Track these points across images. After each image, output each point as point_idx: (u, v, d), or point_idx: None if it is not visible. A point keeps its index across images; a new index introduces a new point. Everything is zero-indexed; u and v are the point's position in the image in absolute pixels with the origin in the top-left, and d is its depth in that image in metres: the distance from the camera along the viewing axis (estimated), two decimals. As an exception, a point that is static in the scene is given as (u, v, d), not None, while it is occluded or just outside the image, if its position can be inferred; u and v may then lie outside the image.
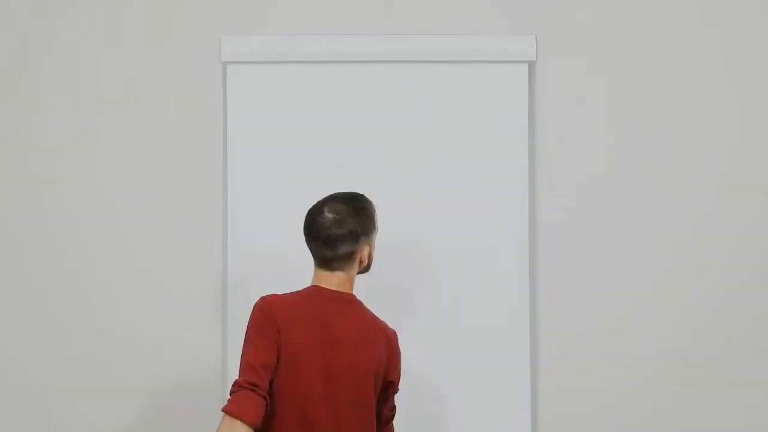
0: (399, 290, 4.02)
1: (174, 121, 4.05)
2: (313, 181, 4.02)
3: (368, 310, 3.33)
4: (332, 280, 3.28)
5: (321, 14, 4.08)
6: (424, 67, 4.07)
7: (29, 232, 4.01)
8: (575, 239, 4.05)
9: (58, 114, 4.04)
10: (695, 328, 4.05)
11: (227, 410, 3.08)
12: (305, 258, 3.40)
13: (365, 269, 3.35)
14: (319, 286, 3.28)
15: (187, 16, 4.07)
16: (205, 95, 4.05)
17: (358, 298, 3.35)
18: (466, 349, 4.02)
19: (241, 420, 3.07)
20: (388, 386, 3.37)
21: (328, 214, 3.25)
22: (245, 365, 3.14)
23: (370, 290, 3.89)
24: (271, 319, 3.19)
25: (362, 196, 3.33)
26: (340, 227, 3.24)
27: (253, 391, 3.10)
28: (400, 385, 3.80)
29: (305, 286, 3.35)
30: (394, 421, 3.58)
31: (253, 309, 3.23)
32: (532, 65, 4.09)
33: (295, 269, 3.94)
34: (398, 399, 3.83)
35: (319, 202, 3.29)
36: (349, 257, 3.27)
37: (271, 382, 3.18)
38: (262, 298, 3.24)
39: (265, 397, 3.12)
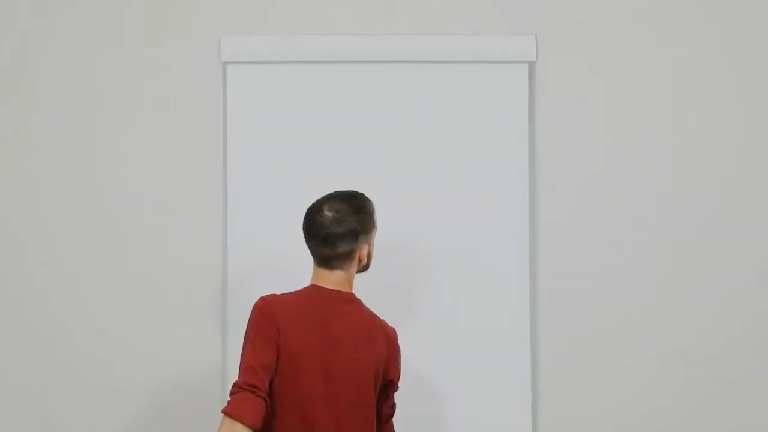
0: (399, 290, 4.02)
1: (174, 121, 4.05)
2: (313, 181, 4.02)
3: (367, 308, 3.33)
4: (331, 279, 3.28)
5: (321, 14, 4.08)
6: (424, 67, 4.07)
7: (29, 232, 4.01)
8: (575, 239, 4.05)
9: (58, 114, 4.04)
10: (695, 328, 4.05)
11: (227, 412, 3.08)
12: (305, 258, 3.40)
13: (364, 268, 3.35)
14: (318, 286, 3.28)
15: (187, 16, 4.07)
16: (205, 95, 4.05)
17: (358, 297, 3.35)
18: (466, 349, 4.02)
19: (241, 422, 3.06)
20: (388, 385, 3.37)
21: (328, 213, 3.25)
22: (245, 366, 3.13)
23: (370, 290, 3.89)
24: (270, 320, 3.19)
25: (361, 194, 3.33)
26: (339, 226, 3.24)
27: (253, 392, 3.10)
28: (400, 384, 3.80)
29: (305, 286, 3.35)
30: (394, 421, 3.58)
31: (253, 309, 3.22)
32: (532, 65, 4.09)
33: (295, 269, 3.94)
34: (398, 399, 3.83)
35: (318, 201, 3.29)
36: (349, 256, 3.27)
37: (271, 383, 3.18)
38: (262, 298, 3.24)
39: (264, 399, 3.12)
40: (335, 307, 3.26)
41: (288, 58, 4.04)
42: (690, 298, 4.05)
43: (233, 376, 3.95)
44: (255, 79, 4.05)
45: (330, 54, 4.04)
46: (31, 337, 4.00)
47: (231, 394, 3.11)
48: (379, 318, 3.35)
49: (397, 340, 3.39)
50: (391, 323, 3.90)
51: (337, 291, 3.27)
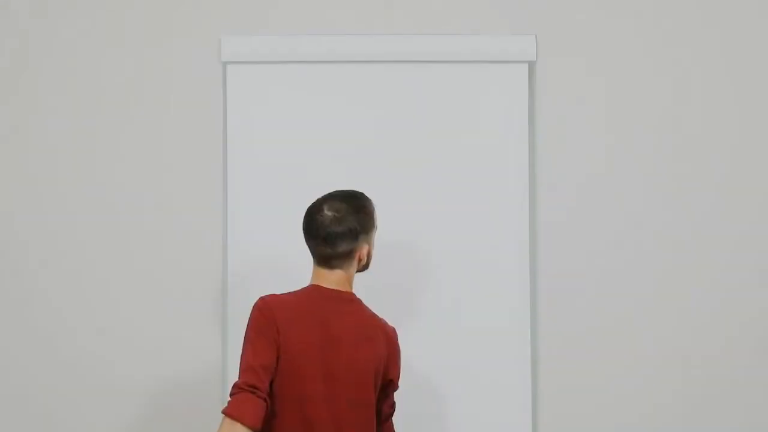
0: (399, 290, 4.02)
1: (174, 121, 4.05)
2: (313, 181, 4.02)
3: (367, 308, 3.33)
4: (331, 279, 3.28)
5: (321, 14, 4.08)
6: (424, 67, 4.07)
7: (29, 232, 4.01)
8: (575, 239, 4.05)
9: (58, 114, 4.04)
10: (695, 328, 4.05)
11: (227, 412, 3.07)
12: (305, 258, 3.40)
13: (364, 267, 3.35)
14: (318, 285, 3.28)
15: (187, 16, 4.07)
16: (205, 95, 4.05)
17: (358, 297, 3.35)
18: (466, 349, 4.02)
19: (242, 422, 3.06)
20: (387, 384, 3.37)
21: (328, 212, 3.25)
22: (245, 367, 3.13)
23: (370, 290, 3.89)
24: (270, 320, 3.19)
25: (361, 194, 3.33)
26: (339, 225, 3.24)
27: (253, 393, 3.10)
28: (400, 384, 3.81)
29: (305, 286, 3.35)
30: (394, 421, 3.58)
31: (252, 309, 3.22)
32: (532, 65, 4.09)
33: (295, 269, 3.94)
34: (398, 398, 3.83)
35: (318, 200, 3.29)
36: (348, 255, 3.27)
37: (271, 383, 3.18)
38: (261, 299, 3.24)
39: (265, 399, 3.12)
40: (335, 307, 3.26)
41: (288, 58, 4.04)
42: (690, 298, 4.05)
43: (233, 376, 3.95)
44: (255, 79, 4.05)
45: (330, 54, 4.04)
46: (31, 337, 4.00)
47: (231, 395, 3.11)
48: (379, 317, 3.35)
49: (397, 339, 3.39)
50: (391, 323, 3.90)
51: (337, 291, 3.27)
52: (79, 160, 4.03)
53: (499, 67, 4.07)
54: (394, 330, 3.39)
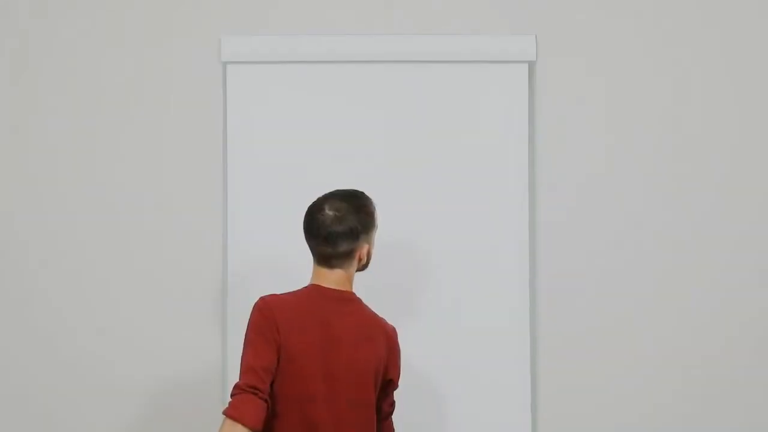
0: (399, 290, 4.02)
1: (174, 121, 4.05)
2: (313, 181, 4.02)
3: (368, 307, 3.33)
4: (331, 278, 3.28)
5: (321, 14, 4.08)
6: (424, 67, 4.07)
7: (29, 232, 4.01)
8: (575, 239, 4.05)
9: (58, 114, 4.04)
10: (695, 328, 4.05)
11: (228, 413, 3.07)
12: (305, 258, 3.40)
13: (363, 267, 3.35)
14: (318, 285, 3.28)
15: (187, 16, 4.07)
16: (205, 95, 4.05)
17: (358, 296, 3.35)
18: (466, 349, 4.02)
19: (242, 423, 3.06)
20: (387, 384, 3.37)
21: (329, 212, 3.25)
22: (245, 367, 3.13)
23: (370, 290, 3.89)
24: (270, 320, 3.19)
25: (362, 193, 3.33)
26: (340, 224, 3.24)
27: (254, 394, 3.09)
28: (400, 384, 3.81)
29: (305, 285, 3.35)
30: (394, 420, 3.58)
31: (253, 310, 3.22)
32: (532, 65, 4.09)
33: (295, 269, 3.94)
34: (398, 398, 3.83)
35: (318, 199, 3.29)
36: (349, 255, 3.27)
37: (271, 383, 3.17)
38: (261, 299, 3.23)
39: (266, 400, 3.11)
40: (335, 307, 3.25)
41: (288, 58, 4.04)
42: (690, 298, 4.05)
43: (233, 376, 3.95)
44: (255, 79, 4.05)
45: (330, 54, 4.04)
46: (31, 337, 4.00)
47: (232, 396, 3.11)
48: (379, 317, 3.35)
49: (397, 338, 3.39)
50: (391, 323, 3.90)
51: (337, 290, 3.27)
52: (79, 160, 4.03)
53: (499, 67, 4.07)
54: (394, 329, 3.39)
